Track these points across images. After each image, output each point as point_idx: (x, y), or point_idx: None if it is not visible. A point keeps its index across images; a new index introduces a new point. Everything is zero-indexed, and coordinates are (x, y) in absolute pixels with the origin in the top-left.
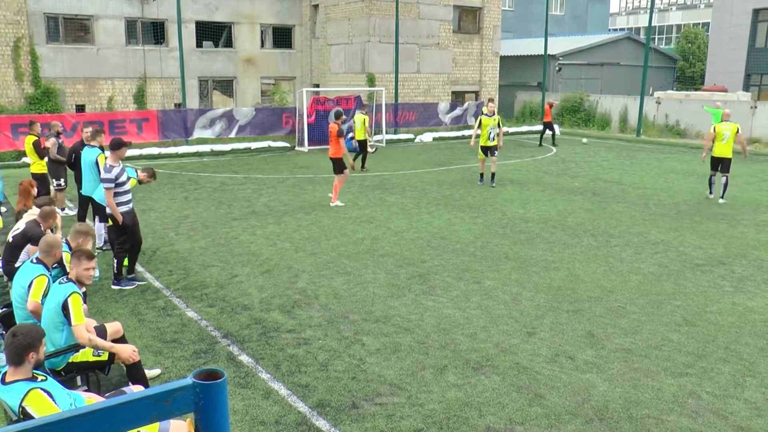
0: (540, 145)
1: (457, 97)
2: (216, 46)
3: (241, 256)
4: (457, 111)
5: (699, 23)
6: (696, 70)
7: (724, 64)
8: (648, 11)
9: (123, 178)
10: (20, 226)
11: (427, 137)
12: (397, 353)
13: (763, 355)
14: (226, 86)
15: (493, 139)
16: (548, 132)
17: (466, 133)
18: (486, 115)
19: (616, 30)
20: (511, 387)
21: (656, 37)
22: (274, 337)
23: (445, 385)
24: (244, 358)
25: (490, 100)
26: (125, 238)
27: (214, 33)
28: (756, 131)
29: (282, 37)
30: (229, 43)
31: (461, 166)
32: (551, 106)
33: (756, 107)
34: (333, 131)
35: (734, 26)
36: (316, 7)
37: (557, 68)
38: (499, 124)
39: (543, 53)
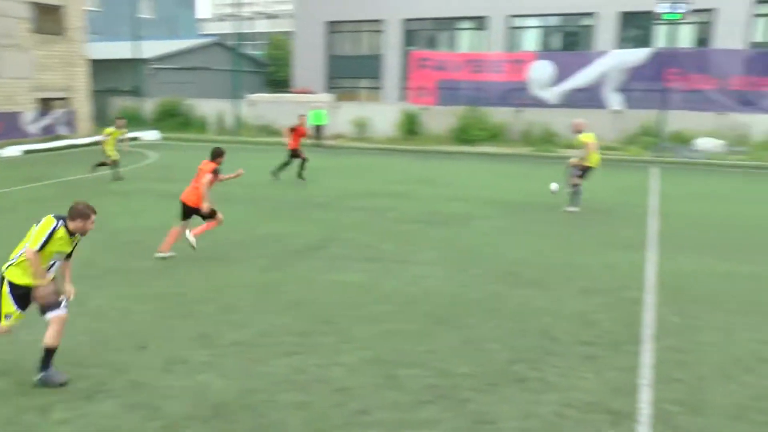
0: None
1: (45, 105)
2: None
3: None
4: (47, 120)
5: (284, 31)
6: (284, 74)
7: (308, 69)
8: (235, 19)
9: None
10: None
11: (13, 151)
12: None
13: (356, 322)
14: None
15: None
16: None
17: (59, 144)
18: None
19: (207, 35)
20: (126, 407)
21: (246, 43)
22: None
23: (52, 423)
24: None
25: (119, 118)
26: None
27: None
28: (339, 127)
29: None
30: None
31: (58, 180)
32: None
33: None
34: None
35: (312, 35)
36: None
37: (150, 72)
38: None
39: (135, 57)
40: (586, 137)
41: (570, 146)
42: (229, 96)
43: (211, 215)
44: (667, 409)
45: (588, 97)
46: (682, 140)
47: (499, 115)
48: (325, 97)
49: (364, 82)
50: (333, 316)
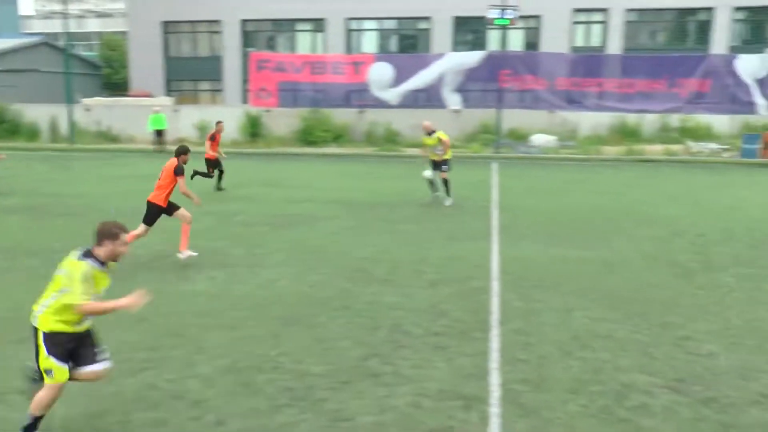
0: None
1: None
2: None
3: None
4: None
5: (118, 31)
6: (121, 76)
7: (146, 71)
8: (63, 16)
9: None
10: None
11: None
12: None
13: (208, 331)
14: None
15: None
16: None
17: None
18: None
19: (32, 34)
20: None
21: (78, 43)
22: None
23: None
24: None
25: None
26: None
27: None
28: (181, 131)
29: None
30: None
31: None
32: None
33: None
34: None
35: (148, 36)
36: None
37: None
38: None
39: None
40: (442, 135)
41: (412, 145)
42: (62, 100)
43: (173, 210)
44: (515, 389)
45: (427, 98)
46: (519, 137)
47: (342, 116)
48: (165, 100)
49: (204, 85)
50: (184, 327)
